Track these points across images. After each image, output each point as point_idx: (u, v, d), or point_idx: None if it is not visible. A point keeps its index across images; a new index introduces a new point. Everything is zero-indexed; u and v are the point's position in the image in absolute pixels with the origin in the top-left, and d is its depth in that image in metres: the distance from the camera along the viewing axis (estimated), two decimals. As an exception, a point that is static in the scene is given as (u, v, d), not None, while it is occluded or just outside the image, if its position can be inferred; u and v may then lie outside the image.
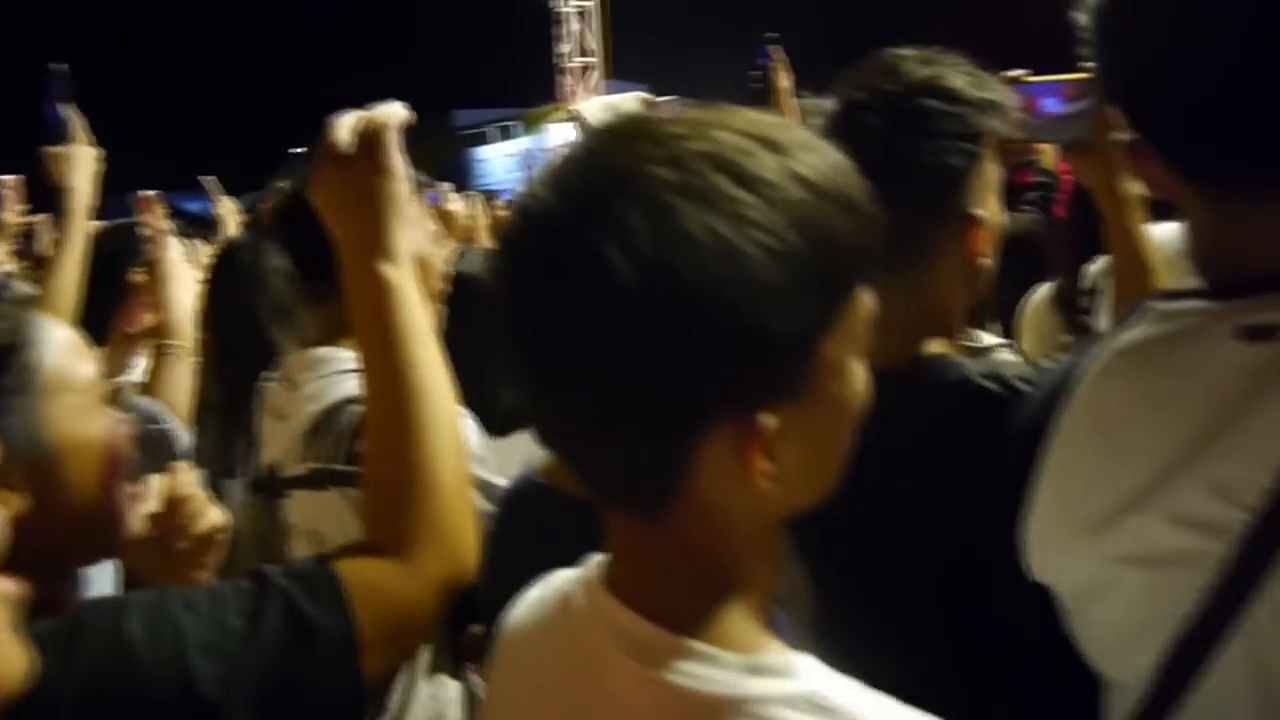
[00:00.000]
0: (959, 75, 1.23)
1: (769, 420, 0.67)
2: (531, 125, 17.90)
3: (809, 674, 0.69)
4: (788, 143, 0.68)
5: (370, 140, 1.07)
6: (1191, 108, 0.85)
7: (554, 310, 0.67)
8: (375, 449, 1.04)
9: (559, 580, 0.82)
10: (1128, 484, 0.87)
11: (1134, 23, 0.88)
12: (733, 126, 0.68)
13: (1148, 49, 0.87)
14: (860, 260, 0.69)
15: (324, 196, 1.09)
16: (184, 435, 2.13)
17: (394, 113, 1.09)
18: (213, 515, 1.23)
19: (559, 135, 13.80)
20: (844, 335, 0.70)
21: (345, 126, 1.08)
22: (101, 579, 1.35)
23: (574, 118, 10.10)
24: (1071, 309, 2.54)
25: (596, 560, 0.79)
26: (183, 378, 2.21)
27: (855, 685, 0.69)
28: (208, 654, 0.85)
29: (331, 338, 1.70)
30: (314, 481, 1.63)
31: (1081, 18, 0.90)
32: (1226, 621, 0.82)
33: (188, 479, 1.24)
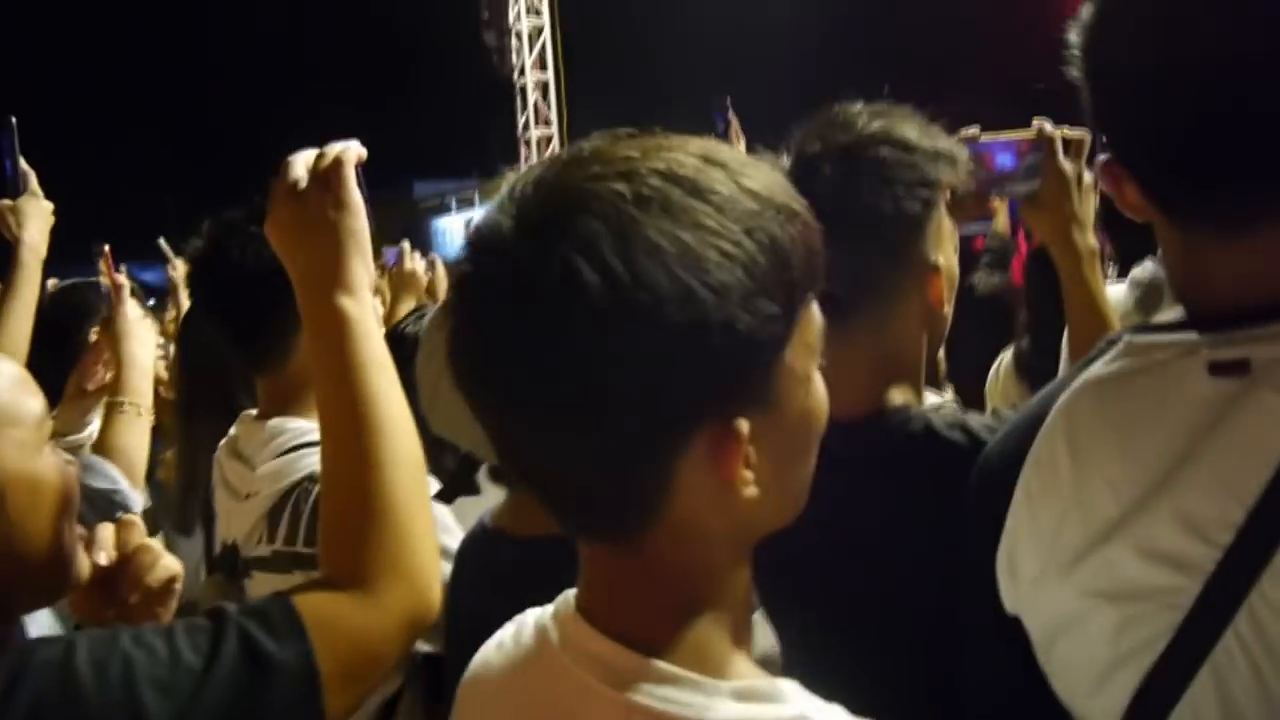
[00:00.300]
0: (910, 126, 1.27)
1: (745, 426, 0.67)
2: (488, 196, 17.99)
3: (796, 698, 0.69)
4: (730, 161, 0.70)
5: (326, 175, 1.07)
6: (1166, 135, 0.86)
7: (525, 335, 0.66)
8: (334, 483, 1.03)
9: (530, 618, 0.81)
10: (1099, 515, 0.87)
11: (1117, 47, 0.89)
12: (677, 148, 0.70)
13: (1127, 73, 0.88)
14: (808, 268, 0.71)
15: (279, 232, 1.09)
16: (136, 496, 2.08)
17: (350, 149, 1.10)
18: (168, 563, 1.20)
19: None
20: (802, 344, 0.71)
21: (300, 163, 1.09)
22: (40, 626, 1.31)
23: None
24: (1031, 372, 2.56)
25: (570, 593, 0.78)
26: (138, 437, 2.16)
27: (840, 710, 0.69)
28: (161, 691, 0.82)
29: (278, 407, 1.67)
30: (277, 564, 1.59)
31: (1072, 37, 0.92)
32: (1196, 662, 0.83)
33: (138, 529, 1.21)
